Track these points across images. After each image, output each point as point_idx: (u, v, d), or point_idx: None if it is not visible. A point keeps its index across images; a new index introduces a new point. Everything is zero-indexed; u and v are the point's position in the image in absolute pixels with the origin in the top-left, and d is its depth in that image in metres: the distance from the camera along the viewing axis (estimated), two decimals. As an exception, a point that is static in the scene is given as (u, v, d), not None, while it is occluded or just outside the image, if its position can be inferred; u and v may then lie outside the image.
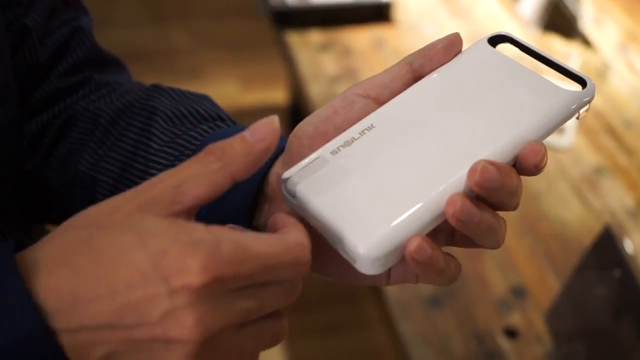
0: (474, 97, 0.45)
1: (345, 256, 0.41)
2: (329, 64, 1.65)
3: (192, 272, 0.35)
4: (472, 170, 0.40)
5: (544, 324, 1.13)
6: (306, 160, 0.42)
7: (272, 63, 2.47)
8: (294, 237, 0.38)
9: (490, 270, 1.21)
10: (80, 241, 0.36)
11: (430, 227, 0.41)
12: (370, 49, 1.70)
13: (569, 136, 1.48)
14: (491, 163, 0.40)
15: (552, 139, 1.44)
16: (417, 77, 0.46)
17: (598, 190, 1.38)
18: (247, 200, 0.47)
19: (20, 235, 0.54)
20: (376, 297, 1.29)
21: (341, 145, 0.43)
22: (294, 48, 1.69)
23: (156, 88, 0.58)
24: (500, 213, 0.43)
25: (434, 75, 0.46)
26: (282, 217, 0.40)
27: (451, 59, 0.46)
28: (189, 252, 0.35)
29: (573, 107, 0.44)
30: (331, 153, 0.43)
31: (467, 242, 0.44)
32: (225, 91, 2.57)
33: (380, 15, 1.78)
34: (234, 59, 2.77)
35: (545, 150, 0.42)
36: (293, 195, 0.42)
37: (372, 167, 0.42)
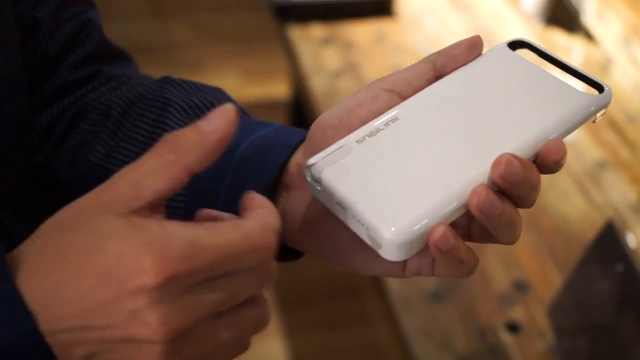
0: (496, 96, 0.46)
1: (368, 242, 0.41)
2: (331, 58, 1.65)
3: (146, 272, 0.35)
4: (497, 163, 0.41)
5: (546, 319, 1.13)
6: (331, 148, 0.43)
7: (273, 57, 2.46)
8: (255, 222, 0.37)
9: (493, 265, 1.21)
10: (51, 247, 0.37)
11: (453, 218, 0.42)
12: (372, 44, 1.69)
13: (571, 131, 1.48)
14: (515, 157, 0.41)
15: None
16: (438, 76, 0.47)
17: (600, 184, 1.38)
18: (265, 190, 0.47)
19: (29, 227, 0.55)
20: (378, 291, 1.29)
21: (366, 135, 0.43)
22: (295, 42, 1.69)
23: (168, 80, 0.58)
24: None
25: (456, 73, 0.47)
26: (251, 197, 0.39)
27: (472, 61, 0.47)
28: (142, 253, 0.35)
29: (591, 109, 0.46)
30: (356, 142, 0.43)
31: (484, 237, 0.44)
32: (227, 85, 2.54)
33: (382, 9, 1.78)
34: (235, 53, 2.76)
35: (565, 148, 0.43)
36: (318, 182, 0.42)
37: (397, 157, 0.43)
